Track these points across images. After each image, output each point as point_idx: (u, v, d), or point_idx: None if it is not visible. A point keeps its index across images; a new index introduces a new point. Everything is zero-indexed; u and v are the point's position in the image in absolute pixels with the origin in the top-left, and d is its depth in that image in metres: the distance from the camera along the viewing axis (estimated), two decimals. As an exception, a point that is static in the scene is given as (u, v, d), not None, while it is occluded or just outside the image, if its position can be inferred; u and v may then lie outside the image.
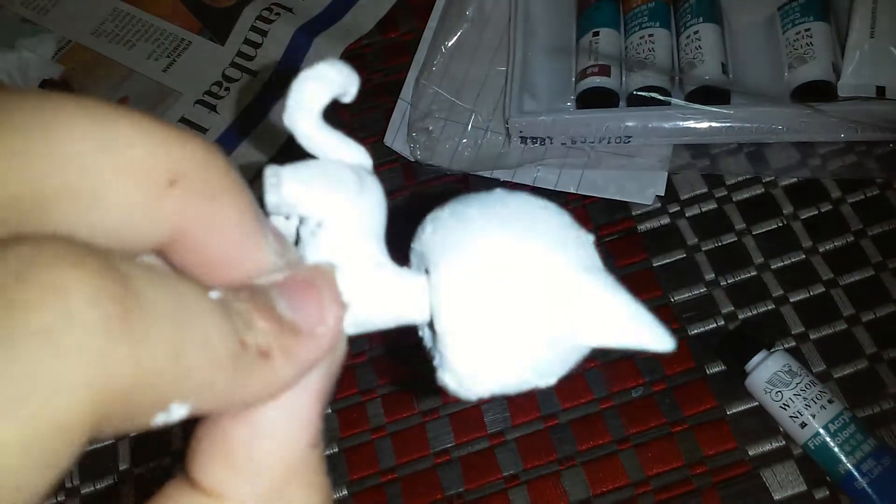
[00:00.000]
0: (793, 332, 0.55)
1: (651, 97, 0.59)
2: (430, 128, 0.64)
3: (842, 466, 0.48)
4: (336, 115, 0.20)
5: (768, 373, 0.51)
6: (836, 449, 0.48)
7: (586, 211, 0.61)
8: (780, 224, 0.59)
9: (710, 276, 0.58)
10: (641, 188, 0.61)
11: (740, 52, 0.62)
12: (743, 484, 0.51)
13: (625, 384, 0.55)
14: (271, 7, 0.74)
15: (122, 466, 0.56)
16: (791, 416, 0.50)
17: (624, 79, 0.62)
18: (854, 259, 0.57)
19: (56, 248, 0.12)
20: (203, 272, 0.16)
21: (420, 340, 0.22)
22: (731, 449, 0.52)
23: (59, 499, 0.55)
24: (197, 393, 0.14)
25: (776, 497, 0.51)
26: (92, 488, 0.56)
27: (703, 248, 0.59)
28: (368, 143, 0.64)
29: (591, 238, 0.20)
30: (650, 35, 0.61)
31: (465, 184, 0.64)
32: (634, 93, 0.60)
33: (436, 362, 0.20)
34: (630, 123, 0.59)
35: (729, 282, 0.57)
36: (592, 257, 0.20)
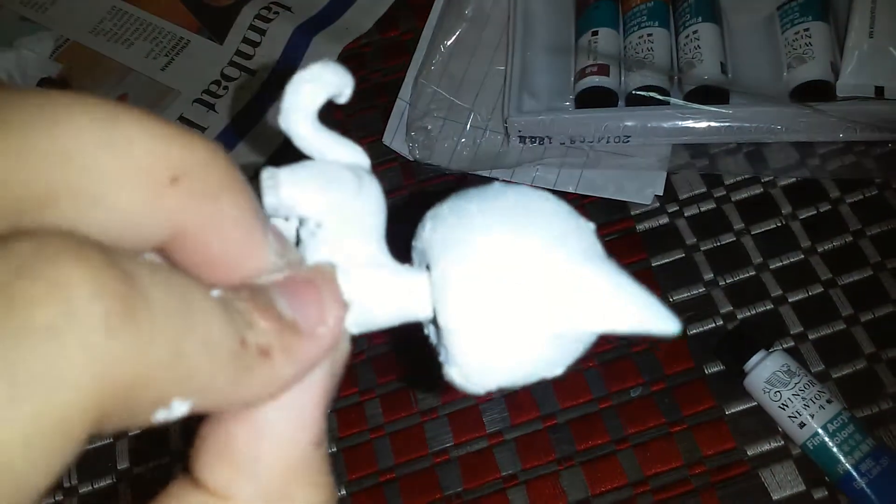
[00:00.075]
0: (791, 332, 0.55)
1: (650, 97, 0.59)
2: (429, 127, 0.64)
3: (840, 466, 0.48)
4: (334, 114, 0.20)
5: (767, 373, 0.51)
6: (834, 449, 0.48)
7: (585, 210, 0.61)
8: (779, 224, 0.59)
9: (708, 275, 0.58)
10: (640, 188, 0.61)
11: (739, 51, 0.62)
12: (742, 484, 0.51)
13: (623, 384, 0.55)
14: (270, 6, 0.74)
15: (121, 466, 0.56)
16: (790, 416, 0.50)
17: (623, 78, 0.62)
18: (853, 259, 0.57)
19: (59, 243, 0.12)
20: (204, 271, 0.16)
21: (425, 338, 0.22)
22: (729, 449, 0.52)
23: (56, 498, 0.55)
24: (198, 390, 0.14)
25: (775, 497, 0.51)
26: (90, 487, 0.56)
27: (701, 248, 0.59)
28: (367, 142, 0.64)
29: (591, 227, 0.20)
30: (649, 34, 0.61)
31: (464, 183, 0.63)
32: (633, 92, 0.60)
33: (441, 358, 0.20)
34: (629, 123, 0.59)
35: (728, 282, 0.57)
36: (594, 246, 0.20)
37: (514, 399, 0.55)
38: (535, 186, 0.60)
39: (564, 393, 0.55)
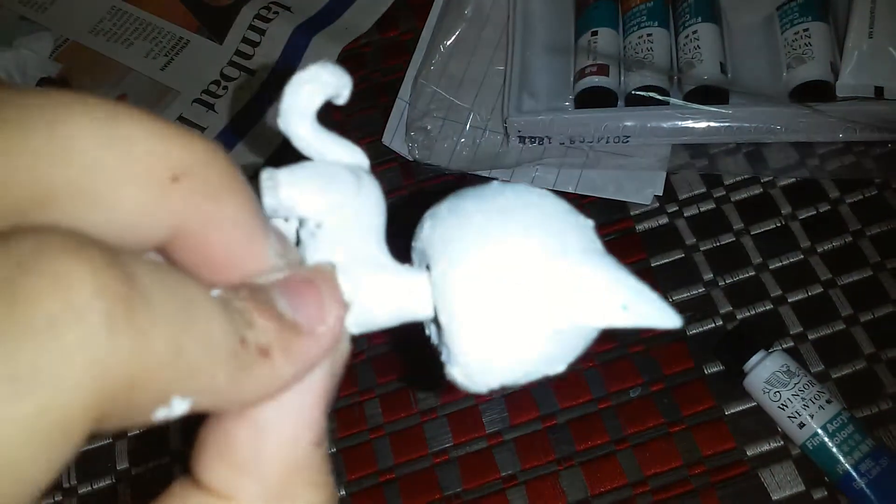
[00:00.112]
0: (791, 333, 0.55)
1: (649, 97, 0.59)
2: (429, 127, 0.64)
3: (840, 467, 0.48)
4: (333, 114, 0.20)
5: (766, 373, 0.51)
6: (834, 449, 0.48)
7: (584, 210, 0.59)
8: (779, 224, 0.59)
9: (708, 276, 0.58)
10: (640, 188, 0.61)
11: (739, 51, 0.62)
12: (741, 484, 0.51)
13: (623, 384, 0.55)
14: (269, 6, 0.74)
15: (120, 466, 0.56)
16: (789, 417, 0.50)
17: (622, 78, 0.62)
18: (852, 259, 0.57)
19: (60, 241, 0.12)
20: (204, 271, 0.16)
21: (426, 337, 0.22)
22: (729, 449, 0.52)
23: (56, 498, 0.55)
24: (197, 389, 0.14)
25: (774, 497, 0.51)
26: (89, 488, 0.56)
27: (701, 248, 0.59)
28: (366, 142, 0.64)
29: (590, 223, 0.20)
30: (649, 34, 0.61)
31: (464, 183, 0.63)
32: (633, 92, 0.60)
33: (443, 357, 0.20)
34: (628, 123, 0.59)
35: (727, 282, 0.57)
36: (593, 242, 0.19)
37: (514, 399, 0.55)
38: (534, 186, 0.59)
39: (564, 393, 0.55)
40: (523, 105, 0.62)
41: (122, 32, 0.76)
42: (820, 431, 0.49)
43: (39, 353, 0.11)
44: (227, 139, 0.69)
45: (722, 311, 0.56)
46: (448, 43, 0.67)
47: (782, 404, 0.50)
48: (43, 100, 0.14)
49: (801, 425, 0.49)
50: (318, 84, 0.20)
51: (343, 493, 0.54)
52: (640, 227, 0.60)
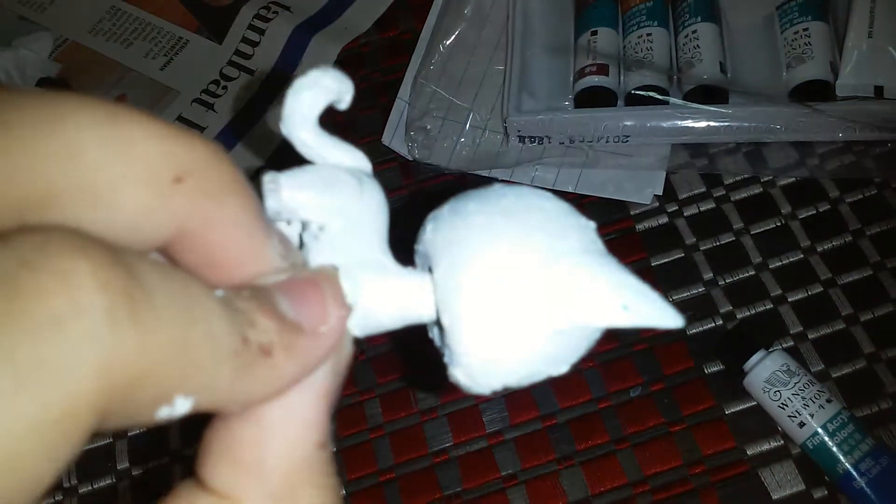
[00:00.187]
0: (791, 332, 0.55)
1: (649, 96, 0.59)
2: (428, 127, 0.64)
3: (840, 466, 0.48)
4: (333, 115, 0.20)
5: (767, 372, 0.51)
6: (834, 448, 0.48)
7: (584, 210, 0.59)
8: (779, 224, 0.59)
9: (708, 275, 0.58)
10: (640, 187, 0.61)
11: (738, 51, 0.62)
12: (741, 483, 0.51)
13: (623, 384, 0.55)
14: (269, 6, 0.74)
15: (121, 466, 0.56)
16: (789, 416, 0.50)
17: (622, 78, 0.62)
18: (852, 259, 0.57)
19: (64, 237, 0.12)
20: (207, 272, 0.17)
21: (426, 336, 0.22)
22: (729, 448, 0.52)
23: (56, 498, 0.55)
24: (200, 387, 0.14)
25: (774, 496, 0.51)
26: (90, 488, 0.56)
27: (701, 248, 0.59)
28: (366, 142, 0.64)
29: (592, 224, 0.20)
30: (648, 34, 0.61)
31: (464, 183, 0.63)
32: (632, 92, 0.60)
33: (445, 359, 0.20)
34: (628, 123, 0.59)
35: (727, 281, 0.57)
36: (594, 243, 0.20)
37: (514, 399, 0.55)
38: (534, 186, 0.60)
39: (564, 393, 0.55)
40: (523, 105, 0.62)
41: (121, 32, 0.76)
42: (820, 431, 0.49)
43: (43, 349, 0.11)
44: (227, 139, 0.69)
45: (722, 311, 0.56)
46: (448, 42, 0.67)
47: (782, 403, 0.50)
48: (44, 101, 0.14)
49: (802, 424, 0.49)
50: (319, 89, 0.20)
51: (343, 492, 0.54)
52: (639, 227, 0.60)
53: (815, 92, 0.58)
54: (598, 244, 0.20)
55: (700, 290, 0.57)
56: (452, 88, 0.66)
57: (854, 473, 0.48)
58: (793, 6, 0.60)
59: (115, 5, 0.77)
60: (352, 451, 0.55)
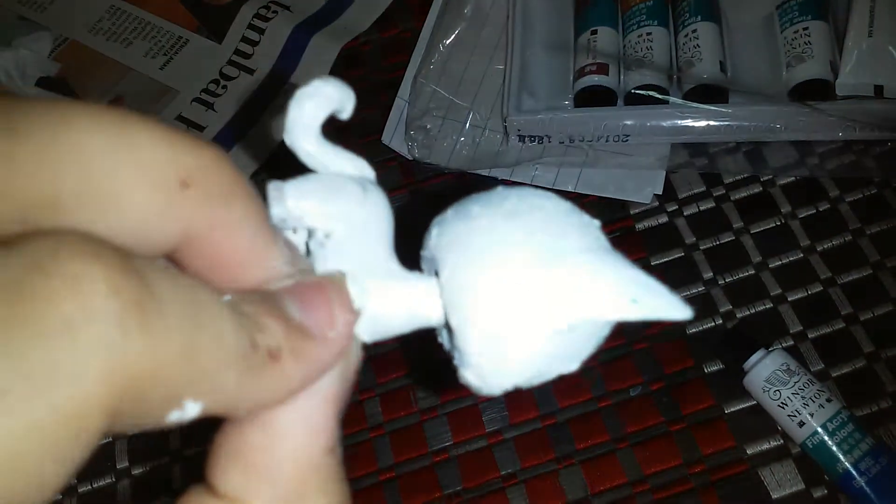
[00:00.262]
0: (791, 331, 0.55)
1: (649, 96, 0.59)
2: (428, 126, 0.64)
3: (840, 465, 0.48)
4: (332, 115, 0.21)
5: (766, 371, 0.51)
6: (834, 448, 0.48)
7: (584, 209, 0.60)
8: (779, 223, 0.59)
9: (708, 274, 0.58)
10: (639, 187, 0.61)
11: (738, 50, 0.62)
12: (741, 483, 0.51)
13: (623, 383, 0.55)
14: (269, 5, 0.74)
15: (120, 465, 0.56)
16: (789, 415, 0.50)
17: (622, 77, 0.62)
18: (852, 258, 0.57)
19: (75, 242, 0.12)
20: (214, 277, 0.17)
21: (431, 334, 0.22)
22: (729, 448, 0.52)
23: (56, 498, 0.55)
24: (209, 391, 0.14)
25: (774, 496, 0.51)
26: (89, 487, 0.56)
27: (701, 247, 0.59)
28: (366, 141, 0.64)
29: (596, 223, 0.20)
30: (648, 33, 0.61)
31: (464, 182, 0.63)
32: (632, 91, 0.60)
33: (455, 361, 0.20)
34: (628, 122, 0.59)
35: (727, 280, 0.57)
36: (599, 239, 0.20)
37: (514, 398, 0.55)
38: (534, 185, 0.60)
39: (563, 392, 0.55)
40: (523, 104, 0.62)
41: (121, 32, 0.76)
42: (820, 430, 0.49)
43: (54, 353, 0.11)
44: (226, 140, 0.69)
45: (722, 310, 0.56)
46: (447, 42, 0.67)
47: (782, 403, 0.50)
48: (50, 108, 0.14)
49: (801, 424, 0.49)
50: (321, 99, 0.20)
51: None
52: (639, 226, 0.60)
53: (814, 91, 0.58)
54: (603, 241, 0.20)
55: (700, 289, 0.57)
56: (452, 88, 0.66)
57: (854, 473, 0.48)
58: (793, 5, 0.60)
59: (115, 5, 0.77)
60: (352, 450, 0.55)
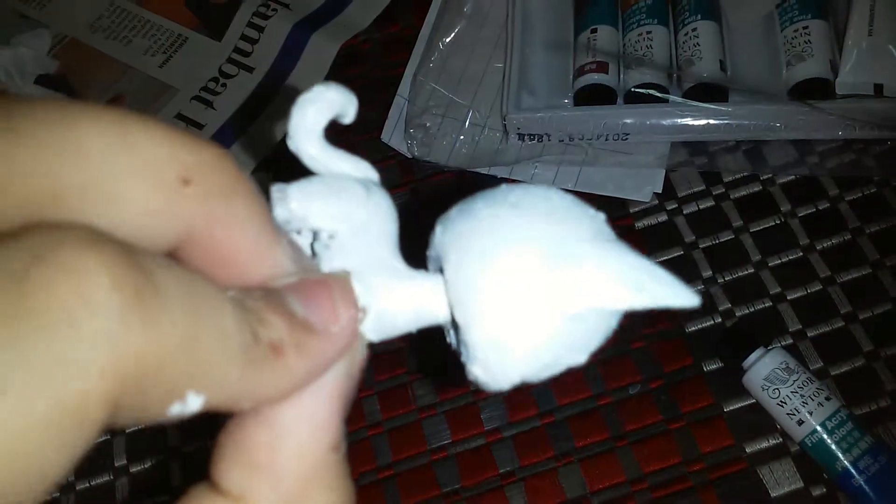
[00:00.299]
0: (790, 330, 0.55)
1: (649, 94, 0.59)
2: (428, 124, 0.64)
3: (839, 464, 0.48)
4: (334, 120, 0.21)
5: (766, 370, 0.51)
6: (833, 446, 0.48)
7: None
8: (778, 222, 0.59)
9: (707, 273, 0.58)
10: (639, 185, 0.61)
11: (738, 49, 0.62)
12: (740, 481, 0.51)
13: (622, 381, 0.55)
14: (268, 3, 0.74)
15: (118, 463, 0.56)
16: (788, 414, 0.50)
17: (622, 76, 0.62)
18: (852, 257, 0.57)
19: (77, 234, 0.13)
20: (217, 274, 0.17)
21: (434, 329, 0.22)
22: (728, 446, 0.52)
23: (53, 495, 0.55)
24: (211, 384, 0.14)
25: (773, 494, 0.51)
26: (87, 485, 0.56)
27: (700, 246, 0.59)
28: (365, 139, 0.64)
29: (601, 215, 0.20)
30: (648, 32, 0.61)
31: (463, 180, 0.63)
32: (632, 90, 0.60)
33: (463, 358, 0.20)
34: (628, 120, 0.59)
35: (726, 279, 0.57)
36: (603, 230, 0.19)
37: (513, 396, 0.55)
38: (533, 184, 0.60)
39: (562, 390, 0.55)
40: (522, 102, 0.61)
41: (120, 30, 0.76)
42: (819, 428, 0.49)
43: (55, 345, 0.11)
44: (225, 138, 0.69)
45: (721, 309, 0.56)
46: (447, 40, 0.67)
47: (781, 401, 0.50)
48: (49, 107, 0.14)
49: (800, 422, 0.49)
50: (323, 103, 0.20)
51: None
52: (639, 225, 0.60)
53: (814, 90, 0.58)
54: (608, 232, 0.20)
55: (699, 287, 0.57)
56: (452, 86, 0.66)
57: (853, 471, 0.48)
58: (793, 4, 0.60)
59: (115, 2, 0.77)
60: (350, 448, 0.54)
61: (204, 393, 0.14)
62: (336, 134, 0.20)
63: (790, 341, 0.55)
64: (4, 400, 0.11)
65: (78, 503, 0.55)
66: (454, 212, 0.20)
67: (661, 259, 0.59)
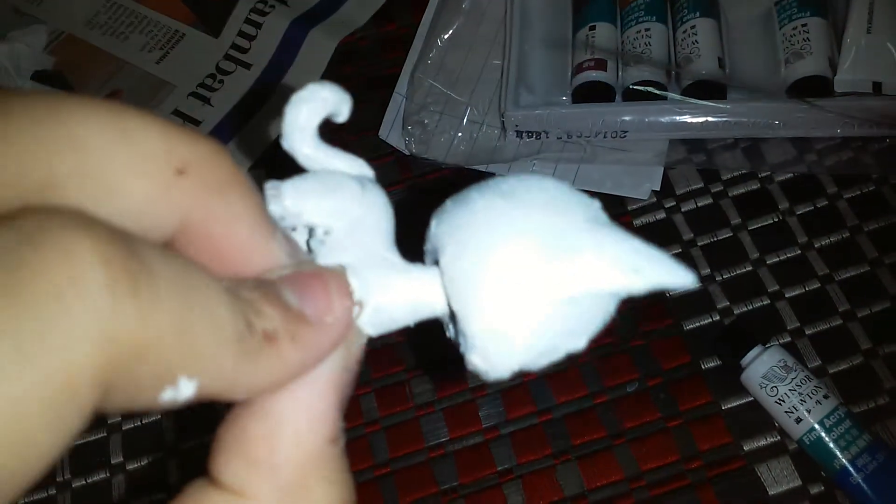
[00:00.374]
0: (788, 328, 0.55)
1: (647, 92, 0.59)
2: (426, 121, 0.64)
3: (837, 462, 0.48)
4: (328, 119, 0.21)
5: (764, 368, 0.50)
6: (831, 444, 0.48)
7: None
8: (776, 219, 0.59)
9: (705, 271, 0.58)
10: (637, 183, 0.61)
11: (737, 46, 0.62)
12: (738, 479, 0.51)
13: (619, 379, 0.55)
14: (266, -1, 0.73)
15: (114, 460, 0.56)
16: (786, 412, 0.50)
17: (620, 73, 0.62)
18: (850, 255, 0.57)
19: (65, 216, 0.13)
20: (213, 267, 0.17)
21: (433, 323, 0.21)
22: (726, 444, 0.52)
23: (50, 492, 0.55)
24: (203, 370, 0.14)
25: (771, 492, 0.51)
26: (83, 482, 0.55)
27: (698, 243, 0.59)
28: (363, 136, 0.64)
29: (596, 202, 0.20)
30: (646, 29, 0.61)
31: (461, 177, 0.63)
32: (631, 87, 0.60)
33: (462, 349, 0.20)
34: (626, 118, 0.59)
35: (724, 277, 0.57)
36: (598, 215, 0.19)
37: (510, 393, 0.55)
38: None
39: (560, 387, 0.55)
40: (520, 99, 0.61)
41: (117, 26, 0.75)
42: (817, 426, 0.49)
43: (45, 321, 0.11)
44: (222, 135, 0.68)
45: (719, 306, 0.56)
46: (445, 37, 0.67)
47: (779, 399, 0.50)
48: (45, 98, 0.14)
49: (798, 420, 0.49)
50: (316, 102, 0.20)
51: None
52: (637, 222, 0.60)
53: (813, 88, 0.58)
54: (603, 217, 0.19)
55: (697, 285, 0.57)
56: (450, 83, 0.65)
57: (851, 469, 0.48)
58: (791, 1, 0.60)
59: (112, -2, 0.77)
60: (347, 445, 0.54)
61: (196, 378, 0.14)
62: (333, 131, 0.20)
63: (788, 339, 0.55)
64: None
65: (75, 501, 0.55)
66: (449, 204, 0.20)
67: (659, 257, 0.58)
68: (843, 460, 0.48)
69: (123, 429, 0.57)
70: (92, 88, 0.72)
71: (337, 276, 0.18)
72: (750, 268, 0.57)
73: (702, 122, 0.58)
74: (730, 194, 0.60)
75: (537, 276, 0.18)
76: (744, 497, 0.51)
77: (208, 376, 0.14)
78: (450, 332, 0.21)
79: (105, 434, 0.57)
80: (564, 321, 0.18)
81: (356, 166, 0.21)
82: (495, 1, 0.68)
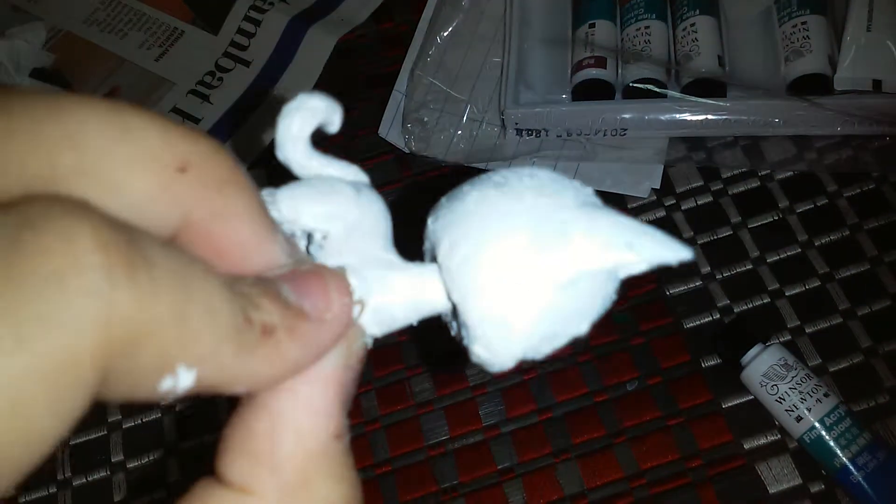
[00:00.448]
0: (788, 326, 0.55)
1: (647, 89, 0.59)
2: (425, 119, 0.64)
3: (837, 460, 0.48)
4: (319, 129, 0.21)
5: (764, 366, 0.50)
6: (831, 443, 0.48)
7: None
8: (776, 218, 0.59)
9: (705, 269, 0.58)
10: (637, 181, 0.61)
11: (737, 44, 0.62)
12: (738, 477, 0.51)
13: (620, 377, 0.55)
14: (265, -3, 0.73)
15: (115, 459, 0.56)
16: (787, 410, 0.50)
17: (620, 71, 0.62)
18: (850, 253, 0.57)
19: (66, 203, 0.13)
20: (213, 264, 0.17)
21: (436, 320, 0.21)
22: (726, 442, 0.52)
23: (50, 490, 0.55)
24: (202, 360, 0.14)
25: (771, 490, 0.51)
26: (84, 480, 0.56)
27: (698, 242, 0.59)
28: (363, 134, 0.64)
29: (588, 188, 0.20)
30: (646, 27, 0.61)
31: (460, 175, 0.63)
32: (630, 85, 0.60)
33: (465, 342, 0.20)
34: (626, 115, 0.59)
35: (725, 275, 0.57)
36: (589, 199, 0.19)
37: (510, 392, 0.55)
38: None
39: (560, 386, 0.55)
40: (520, 97, 0.61)
41: (116, 23, 0.75)
42: (817, 425, 0.49)
43: (44, 303, 0.12)
44: (221, 133, 0.68)
45: (719, 305, 0.56)
46: (445, 35, 0.66)
47: (780, 398, 0.50)
48: (46, 96, 0.14)
49: (799, 419, 0.49)
50: (307, 111, 0.20)
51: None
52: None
53: (813, 86, 0.58)
54: (596, 200, 0.19)
55: (697, 283, 0.57)
56: (449, 80, 0.65)
57: (851, 467, 0.48)
58: (791, -1, 0.60)
59: (110, -4, 0.76)
60: (348, 444, 0.55)
61: (195, 368, 0.14)
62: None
63: (788, 337, 0.55)
64: None
65: (75, 499, 0.55)
66: (443, 200, 0.21)
67: (659, 255, 0.58)
68: (844, 459, 0.48)
69: (124, 427, 0.57)
70: (90, 86, 0.72)
71: (336, 275, 0.19)
72: (750, 266, 0.57)
73: (702, 120, 0.58)
74: (730, 192, 0.60)
75: (533, 259, 0.18)
76: (744, 495, 0.51)
77: (207, 366, 0.14)
78: (452, 329, 0.21)
79: (105, 432, 0.57)
80: (564, 304, 0.18)
81: (350, 172, 0.21)
82: (495, -2, 0.68)
